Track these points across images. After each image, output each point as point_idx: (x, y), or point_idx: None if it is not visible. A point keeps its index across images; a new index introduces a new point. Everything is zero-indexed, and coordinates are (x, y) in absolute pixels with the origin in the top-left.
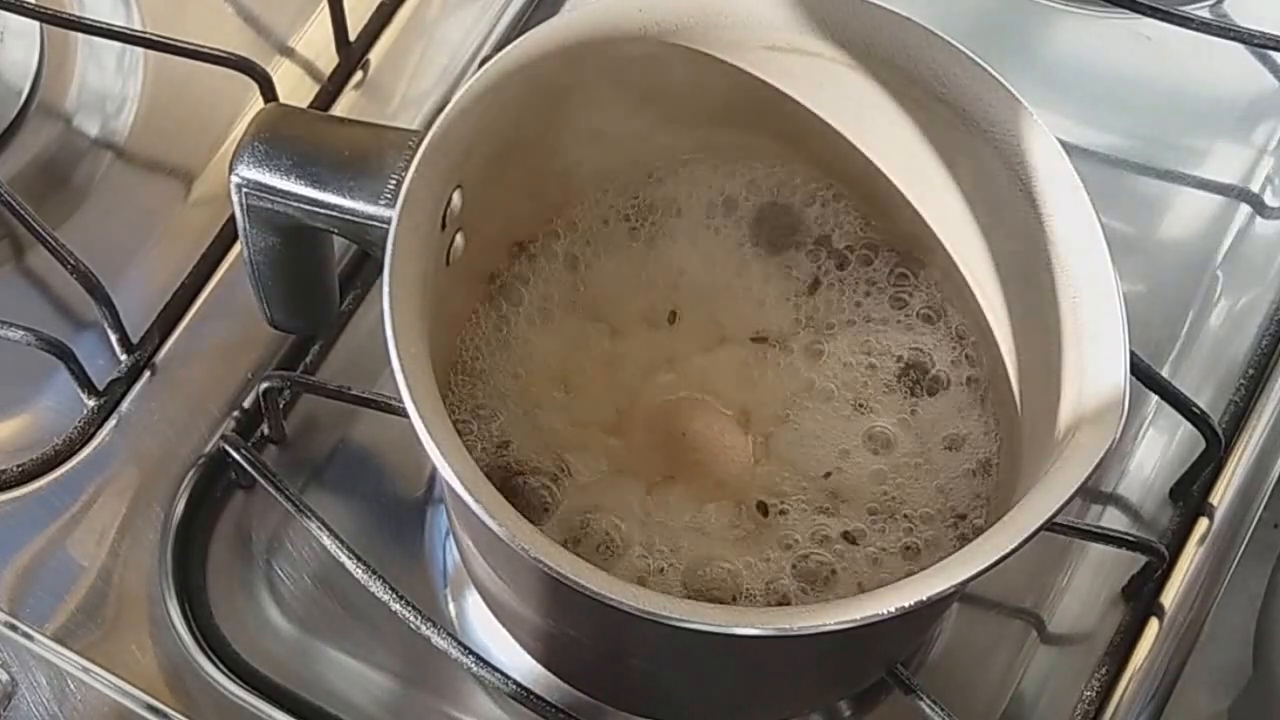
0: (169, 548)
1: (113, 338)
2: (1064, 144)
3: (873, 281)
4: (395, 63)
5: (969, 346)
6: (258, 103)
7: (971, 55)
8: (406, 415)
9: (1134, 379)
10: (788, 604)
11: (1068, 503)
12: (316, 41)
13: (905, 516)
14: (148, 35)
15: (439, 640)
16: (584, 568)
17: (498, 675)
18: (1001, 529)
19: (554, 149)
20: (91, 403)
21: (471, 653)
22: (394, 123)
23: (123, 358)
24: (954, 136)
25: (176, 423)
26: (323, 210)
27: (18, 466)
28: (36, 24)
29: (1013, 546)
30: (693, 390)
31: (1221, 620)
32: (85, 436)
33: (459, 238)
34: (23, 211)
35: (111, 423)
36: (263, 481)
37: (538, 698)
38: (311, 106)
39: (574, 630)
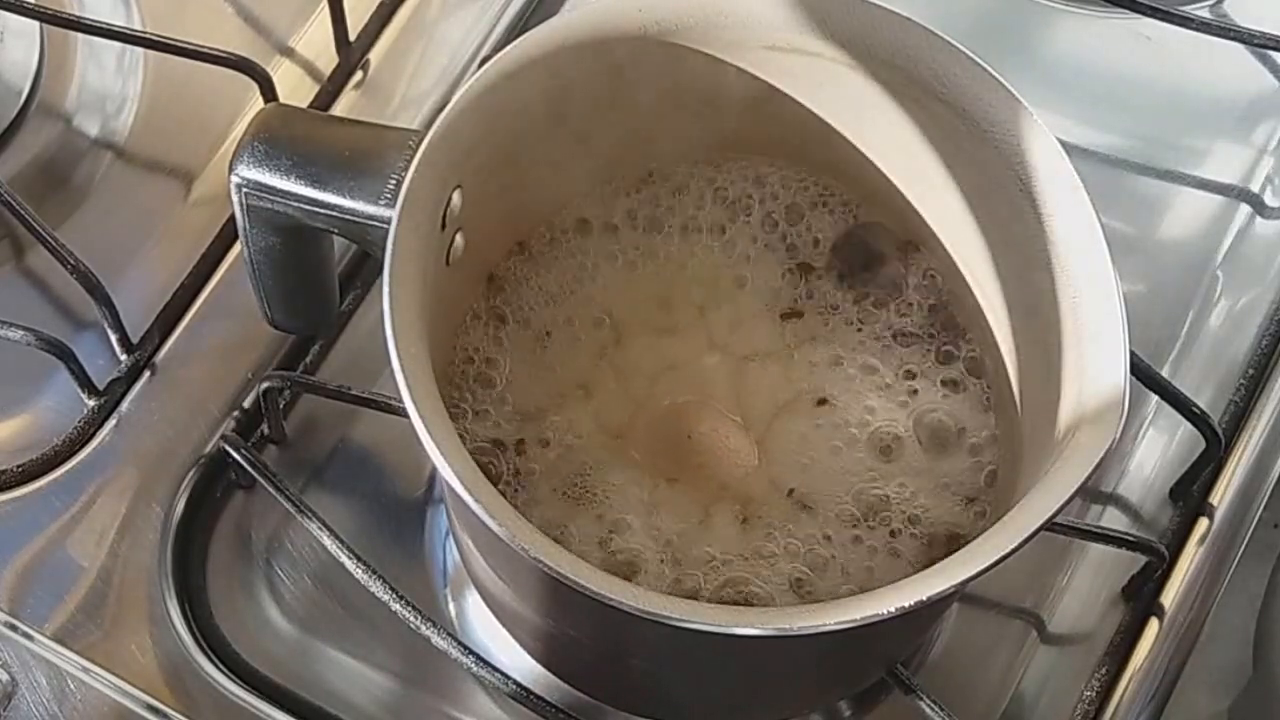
0: (169, 548)
1: (113, 338)
2: (1064, 144)
3: (873, 282)
4: (395, 63)
5: (969, 347)
6: (258, 103)
7: (971, 55)
8: (406, 415)
9: (1134, 379)
10: (789, 604)
11: (1068, 503)
12: (316, 41)
13: (906, 517)
14: (148, 35)
15: (439, 640)
16: (584, 568)
17: (498, 675)
18: (1001, 529)
19: (554, 149)
20: (91, 403)
21: (471, 653)
22: (394, 123)
23: (123, 358)
24: (954, 136)
25: (176, 423)
26: (323, 210)
27: (18, 466)
28: (36, 24)
29: (1013, 546)
30: (696, 393)
31: (1221, 620)
32: (85, 436)
33: (459, 238)
34: (23, 211)
35: (111, 423)
36: (263, 481)
37: (538, 698)
38: (311, 106)
39: (574, 630)
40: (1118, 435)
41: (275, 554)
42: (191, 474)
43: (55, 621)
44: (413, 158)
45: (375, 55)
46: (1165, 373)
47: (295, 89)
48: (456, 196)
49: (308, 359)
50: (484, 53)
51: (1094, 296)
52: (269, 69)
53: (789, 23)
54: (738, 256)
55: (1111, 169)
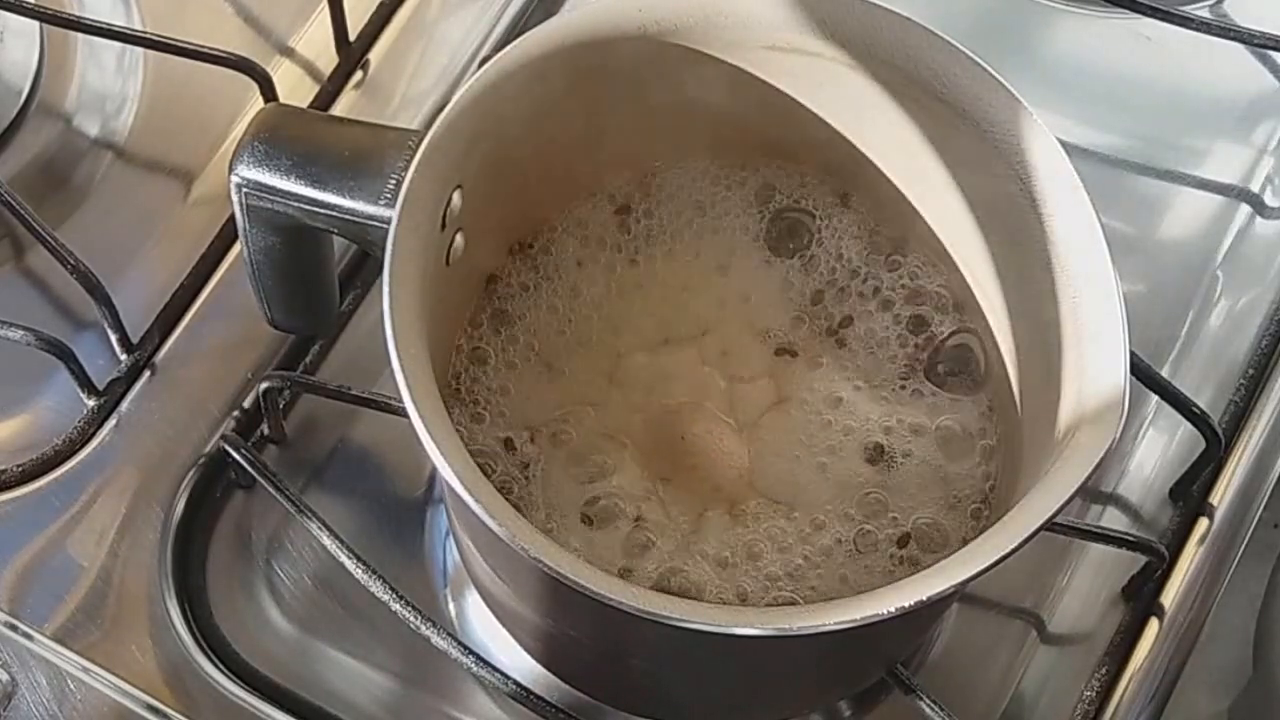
0: (169, 548)
1: (113, 338)
2: (1064, 144)
3: (874, 283)
4: (395, 63)
5: (969, 347)
6: (258, 103)
7: (971, 55)
8: (406, 415)
9: (1134, 379)
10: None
11: (1068, 503)
12: (316, 41)
13: (906, 518)
14: (148, 35)
15: (439, 640)
16: (584, 568)
17: (498, 675)
18: (1001, 529)
19: (554, 149)
20: (91, 403)
21: (471, 653)
22: (394, 123)
23: (123, 358)
24: (954, 136)
25: (176, 423)
26: (323, 210)
27: (18, 466)
28: (36, 24)
29: (1013, 546)
30: (692, 394)
31: (1221, 620)
32: (85, 436)
33: (459, 238)
34: (23, 211)
35: (111, 423)
36: (263, 481)
37: (538, 698)
38: (311, 106)
39: (574, 630)
40: (1118, 435)
41: (275, 554)
42: (191, 474)
43: (55, 621)
44: (413, 158)
45: (375, 55)
46: (1165, 373)
47: (295, 89)
48: (456, 196)
49: (308, 359)
50: (484, 53)
51: (1094, 296)
52: (269, 69)
53: (789, 23)
54: (739, 255)
55: (1111, 169)
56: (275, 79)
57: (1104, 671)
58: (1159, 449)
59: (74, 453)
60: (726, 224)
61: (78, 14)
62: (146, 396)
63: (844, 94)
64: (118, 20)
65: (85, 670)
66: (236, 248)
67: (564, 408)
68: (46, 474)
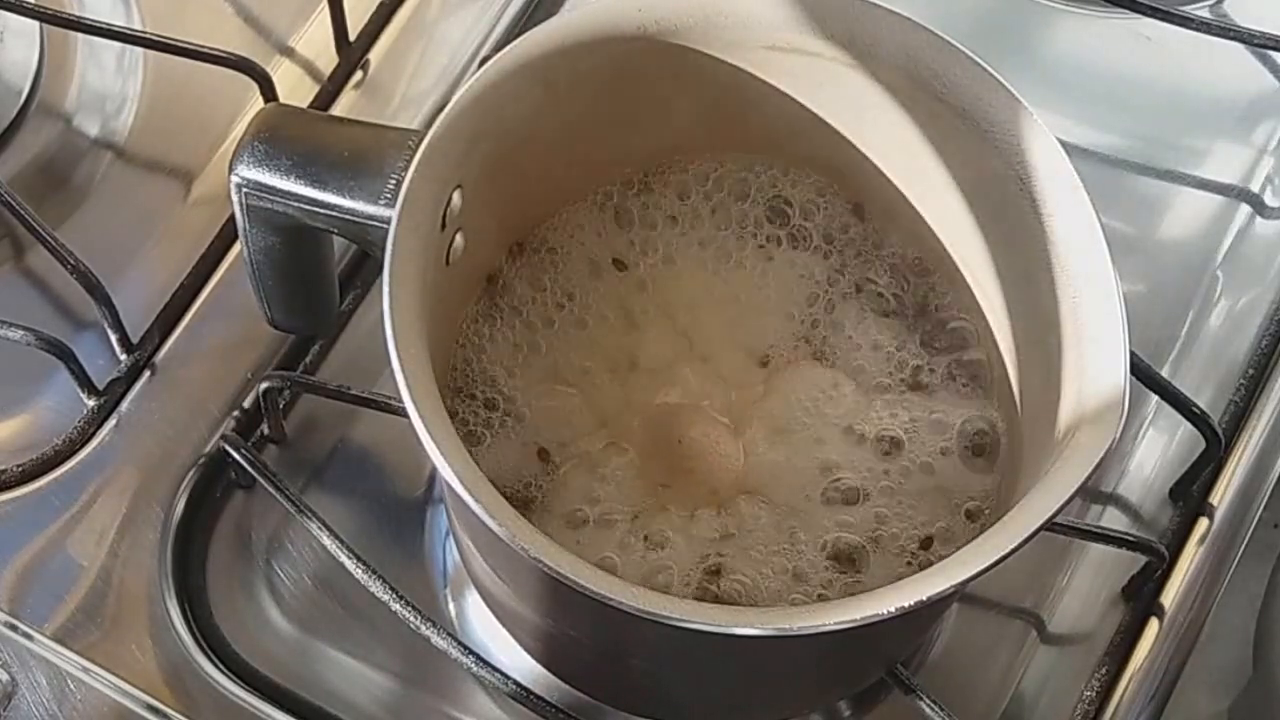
0: (169, 548)
1: (113, 338)
2: (1064, 144)
3: (873, 283)
4: (395, 63)
5: (969, 347)
6: (258, 103)
7: (971, 55)
8: (406, 415)
9: (1134, 379)
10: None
11: (1068, 503)
12: (316, 41)
13: (906, 518)
14: (148, 35)
15: (439, 640)
16: (584, 568)
17: (498, 675)
18: (1001, 529)
19: (554, 149)
20: (91, 403)
21: (471, 653)
22: (394, 123)
23: (123, 358)
24: (954, 136)
25: (176, 423)
26: (323, 210)
27: (18, 466)
28: (36, 24)
29: (1013, 546)
30: (690, 395)
31: (1221, 620)
32: (85, 436)
33: (459, 238)
34: (23, 211)
35: (111, 423)
36: (263, 481)
37: (538, 698)
38: (311, 106)
39: (574, 630)
40: (1118, 435)
41: (275, 554)
42: (191, 474)
43: (55, 621)
44: (413, 158)
45: (375, 55)
46: (1165, 373)
47: (295, 89)
48: (456, 196)
49: (308, 359)
50: (484, 53)
51: (1094, 296)
52: (269, 69)
53: (789, 23)
54: (736, 257)
55: (1111, 169)
56: (275, 79)
57: (1104, 671)
58: (1159, 449)
59: (74, 453)
60: (726, 224)
61: (78, 14)
62: (146, 396)
63: (844, 94)
64: (118, 20)
65: (85, 670)
66: (236, 248)
67: (563, 408)
68: (46, 474)
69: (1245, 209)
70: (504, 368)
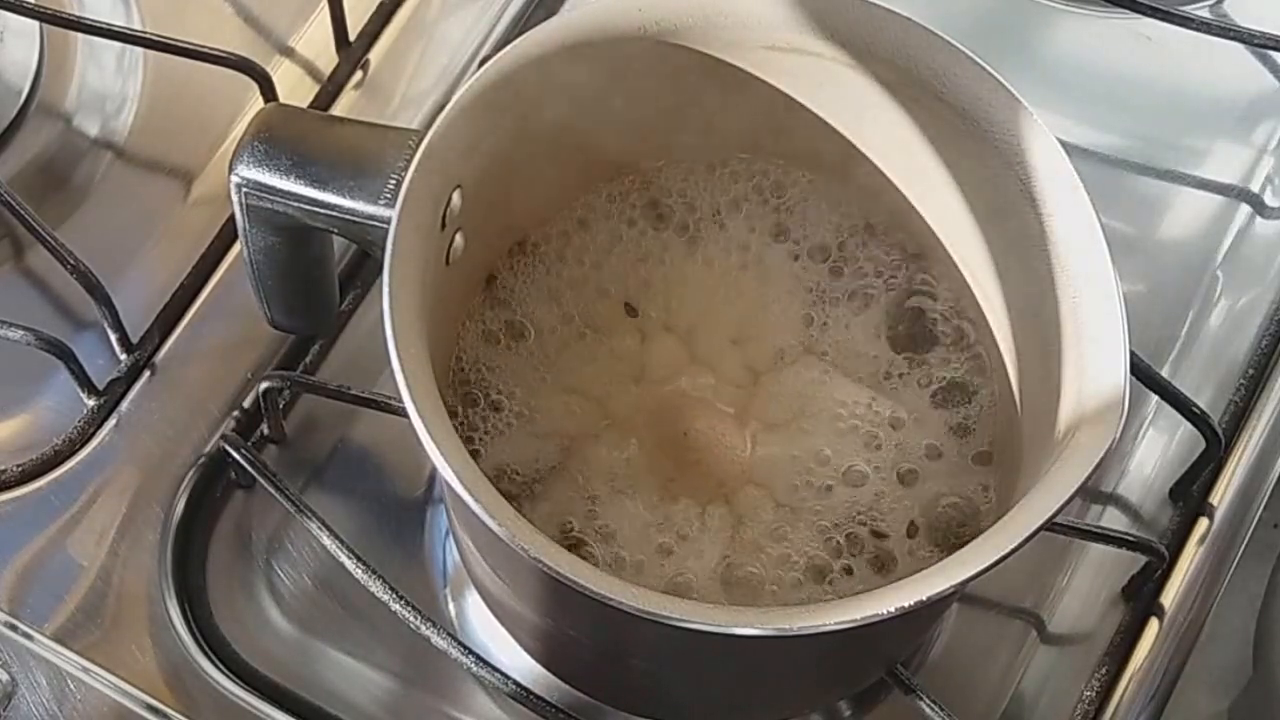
0: (169, 548)
1: (113, 338)
2: (1064, 144)
3: (873, 281)
4: (395, 63)
5: (969, 347)
6: (258, 103)
7: (971, 55)
8: (406, 415)
9: (1134, 379)
10: (790, 604)
11: (1068, 503)
12: (316, 41)
13: (906, 517)
14: (148, 35)
15: (439, 640)
16: (584, 568)
17: (498, 675)
18: (1001, 529)
19: (553, 148)
20: (91, 403)
21: (471, 653)
22: (394, 123)
23: (123, 358)
24: (954, 136)
25: (176, 423)
26: (323, 210)
27: (18, 466)
28: (36, 24)
29: (1013, 546)
30: (694, 390)
31: (1221, 620)
32: (85, 436)
33: (459, 238)
34: (23, 211)
35: (111, 423)
36: (263, 481)
37: (538, 698)
38: (311, 106)
39: (574, 630)
40: (1118, 435)
41: (275, 554)
42: (191, 474)
43: (55, 621)
44: (413, 158)
45: (375, 55)
46: (1165, 373)
47: (295, 89)
48: (456, 196)
49: (308, 359)
50: (484, 53)
51: (1094, 296)
52: (269, 69)
53: (789, 23)
54: (738, 256)
55: (1111, 169)
56: (275, 79)
57: (1104, 671)
58: (1159, 449)
59: (74, 453)
60: (726, 223)
61: (78, 14)
62: (146, 396)
63: (844, 94)
64: (118, 20)
65: (85, 670)
66: (236, 248)
67: (565, 407)
68: (46, 474)
69: (1245, 209)
70: (504, 367)
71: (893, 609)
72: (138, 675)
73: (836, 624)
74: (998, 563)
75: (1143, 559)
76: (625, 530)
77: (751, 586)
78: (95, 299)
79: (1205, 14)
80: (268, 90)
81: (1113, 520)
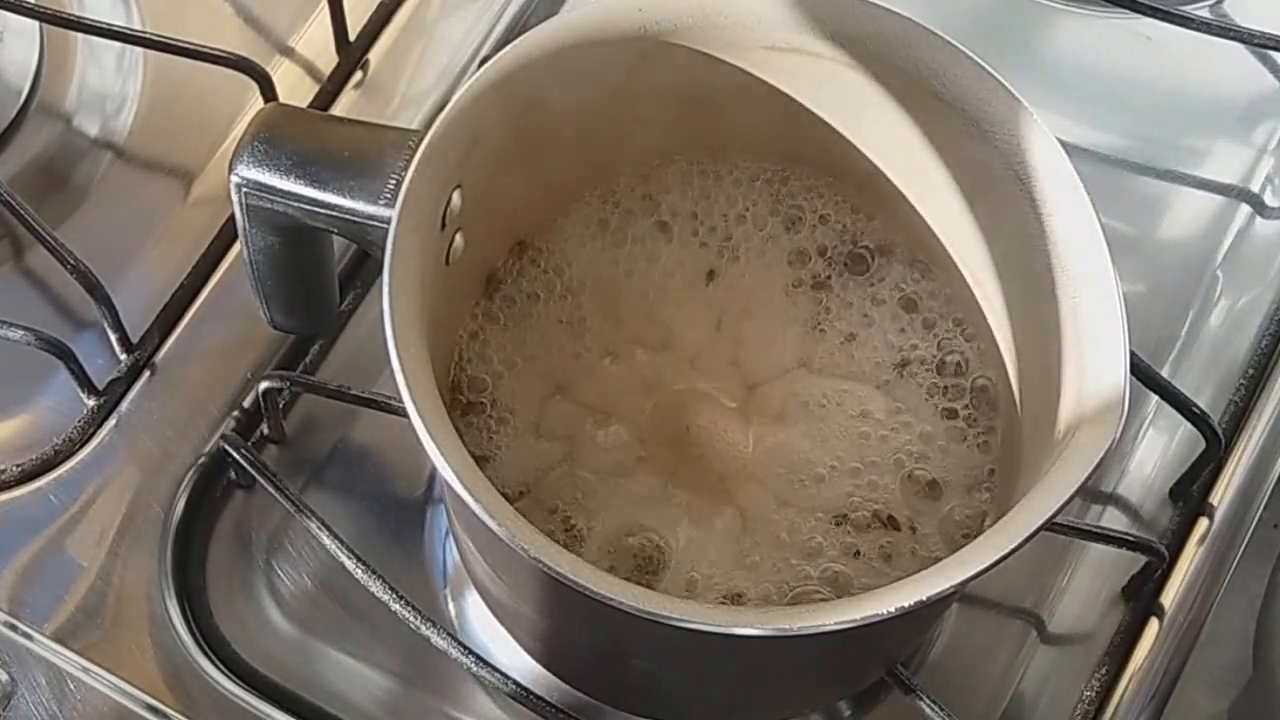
0: (169, 548)
1: (113, 337)
2: (1064, 144)
3: (874, 281)
4: (395, 63)
5: (970, 346)
6: (258, 103)
7: (971, 55)
8: (406, 415)
9: (1134, 379)
10: (790, 604)
11: (1068, 503)
12: (316, 41)
13: (906, 517)
14: (148, 35)
15: (439, 640)
16: (584, 568)
17: (498, 675)
18: (1001, 529)
19: (554, 148)
20: (91, 403)
21: (471, 653)
22: (394, 123)
23: (123, 358)
24: (954, 136)
25: (176, 423)
26: (323, 210)
27: (17, 466)
28: (36, 24)
29: (1013, 546)
30: (696, 388)
31: (1221, 620)
32: (85, 436)
33: (459, 238)
34: (23, 211)
35: (111, 423)
36: (263, 481)
37: (538, 698)
38: (311, 106)
39: (574, 630)
40: (1118, 435)
41: (275, 554)
42: (191, 474)
43: (55, 621)
44: (413, 158)
45: (375, 55)
46: (1165, 373)
47: (295, 89)
48: (456, 196)
49: (307, 359)
50: (484, 53)
51: (1094, 296)
52: (269, 69)
53: (789, 23)
54: (738, 256)
55: (1111, 169)
56: (275, 79)
57: (1104, 671)
58: (1159, 449)
59: (74, 453)
60: (726, 222)
61: (78, 14)
62: (146, 396)
63: (844, 94)
64: (118, 20)
65: (85, 670)
66: (236, 248)
67: (566, 406)
68: (46, 474)
69: (1245, 209)
70: (505, 367)
71: (893, 609)
72: (138, 675)
73: (836, 624)
74: (998, 563)
75: (1143, 559)
76: (621, 525)
77: (753, 585)
78: (95, 299)
79: (1205, 14)
80: (268, 90)
81: (1113, 520)
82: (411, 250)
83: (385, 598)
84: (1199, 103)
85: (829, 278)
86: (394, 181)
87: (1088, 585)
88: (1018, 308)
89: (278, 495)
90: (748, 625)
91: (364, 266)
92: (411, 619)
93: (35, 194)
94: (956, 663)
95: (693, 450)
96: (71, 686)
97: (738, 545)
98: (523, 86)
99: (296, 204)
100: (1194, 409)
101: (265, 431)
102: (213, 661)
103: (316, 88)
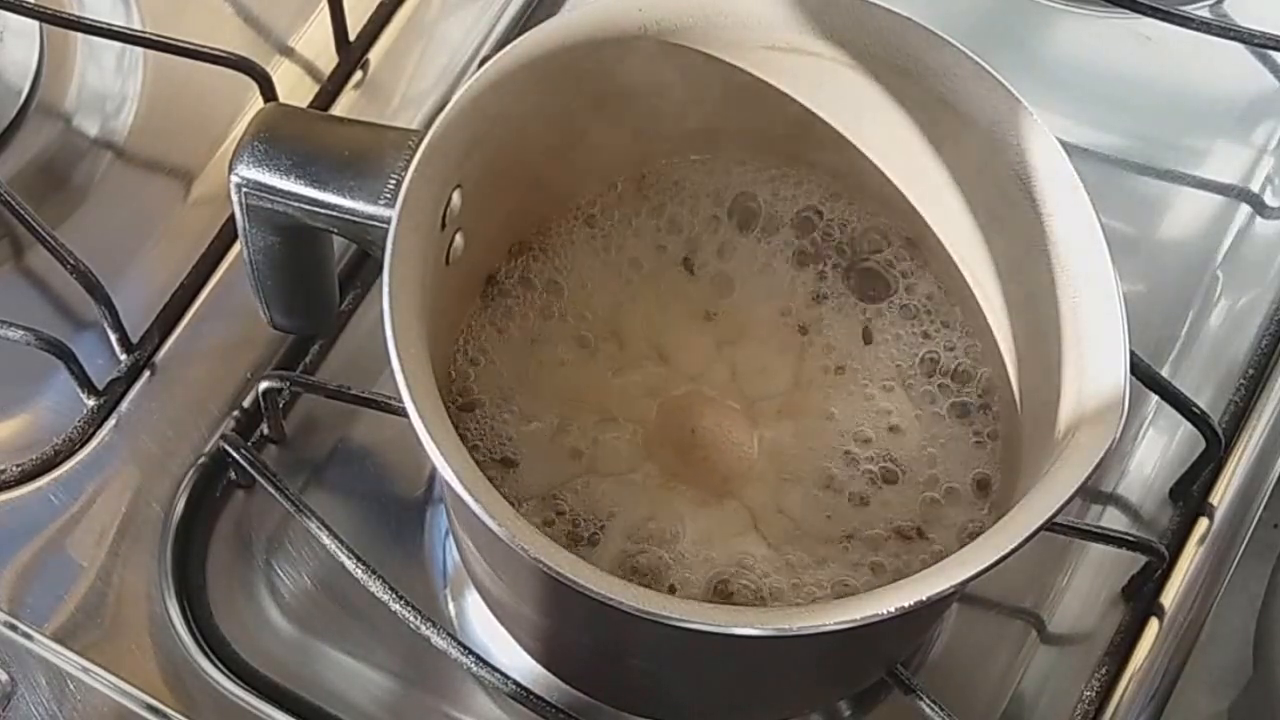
0: (169, 548)
1: (112, 337)
2: (1064, 144)
3: (873, 281)
4: (395, 63)
5: (970, 346)
6: (258, 103)
7: (971, 55)
8: (406, 415)
9: (1134, 379)
10: (792, 604)
11: (1068, 503)
12: (316, 41)
13: (906, 515)
14: (148, 35)
15: (439, 640)
16: (584, 568)
17: (498, 675)
18: (1001, 529)
19: (554, 149)
20: (91, 403)
21: (471, 653)
22: (394, 123)
23: (122, 357)
24: (954, 136)
25: (176, 423)
26: (323, 210)
27: (17, 466)
28: (36, 24)
29: (1013, 546)
30: (699, 389)
31: (1221, 620)
32: (85, 436)
33: (459, 238)
34: (23, 211)
35: (111, 422)
36: (263, 481)
37: (537, 698)
38: (311, 106)
39: (574, 630)
40: (1118, 435)
41: (275, 554)
42: (191, 474)
43: (55, 621)
44: (412, 158)
45: (375, 55)
46: (1165, 373)
47: (295, 89)
48: (456, 196)
49: (307, 359)
50: (484, 53)
51: (1094, 296)
52: (269, 69)
53: (789, 23)
54: (737, 255)
55: (1111, 169)
56: (275, 79)
57: (1104, 671)
58: (1159, 449)
59: (74, 453)
60: (725, 222)
61: (78, 14)
62: (146, 396)
63: (844, 94)
64: (118, 20)
65: (85, 670)
66: (236, 248)
67: (566, 406)
68: (46, 474)
69: (1245, 209)
70: (505, 366)
71: (893, 609)
72: (138, 675)
73: (836, 624)
74: (998, 563)
75: (1143, 559)
76: (626, 526)
77: (754, 583)
78: (95, 299)
79: (1205, 14)
80: (268, 90)
81: (1113, 520)
82: (411, 250)
83: (385, 598)
84: (1199, 103)
85: (828, 278)
86: (394, 181)
87: (1088, 585)
88: (1018, 308)
89: (278, 495)
90: (748, 625)
91: (364, 266)
92: (411, 619)
93: (35, 194)
94: (956, 663)
95: (697, 452)
96: (71, 686)
97: (741, 546)
98: (523, 86)
99: (296, 204)
100: (1194, 409)
101: (265, 431)
102: (213, 661)
103: (316, 88)
